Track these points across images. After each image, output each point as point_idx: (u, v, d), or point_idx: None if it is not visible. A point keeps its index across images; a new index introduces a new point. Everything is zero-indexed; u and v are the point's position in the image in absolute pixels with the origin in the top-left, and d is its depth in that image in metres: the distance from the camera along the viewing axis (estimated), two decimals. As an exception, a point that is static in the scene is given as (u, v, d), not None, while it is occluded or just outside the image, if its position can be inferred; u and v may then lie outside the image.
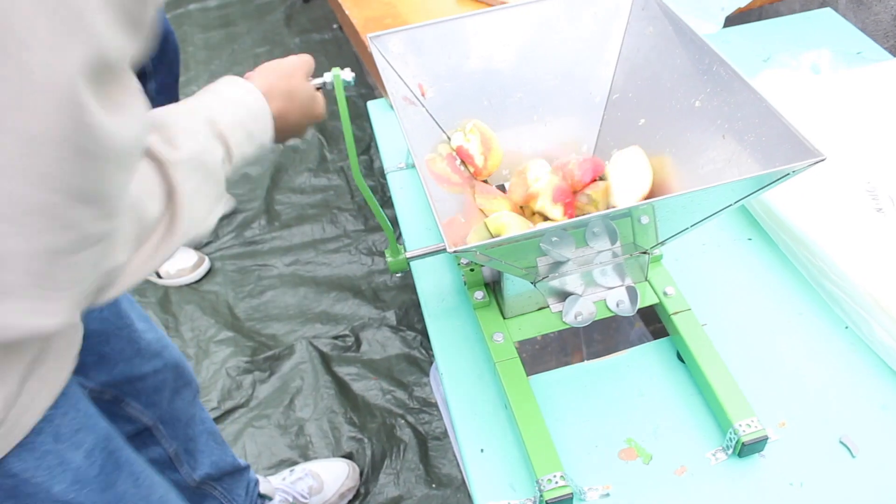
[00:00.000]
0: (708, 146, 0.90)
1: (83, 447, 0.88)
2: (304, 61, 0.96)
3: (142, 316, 1.20)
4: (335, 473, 1.80)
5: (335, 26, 3.45)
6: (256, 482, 1.62)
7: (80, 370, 0.98)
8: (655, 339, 1.11)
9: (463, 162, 1.04)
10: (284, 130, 0.91)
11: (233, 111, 0.82)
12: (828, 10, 1.60)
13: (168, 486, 1.13)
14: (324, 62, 3.28)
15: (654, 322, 1.22)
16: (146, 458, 1.22)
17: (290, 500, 1.71)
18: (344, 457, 1.83)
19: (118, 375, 1.15)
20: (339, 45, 3.36)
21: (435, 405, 1.91)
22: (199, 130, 0.77)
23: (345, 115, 0.94)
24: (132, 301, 1.19)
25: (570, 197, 0.99)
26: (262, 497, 1.65)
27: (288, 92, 0.90)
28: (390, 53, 1.02)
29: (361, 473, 1.80)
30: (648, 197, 0.99)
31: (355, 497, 1.78)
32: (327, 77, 0.97)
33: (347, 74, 0.96)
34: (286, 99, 0.90)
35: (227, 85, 0.86)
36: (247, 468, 1.56)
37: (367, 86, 3.00)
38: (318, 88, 0.98)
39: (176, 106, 0.79)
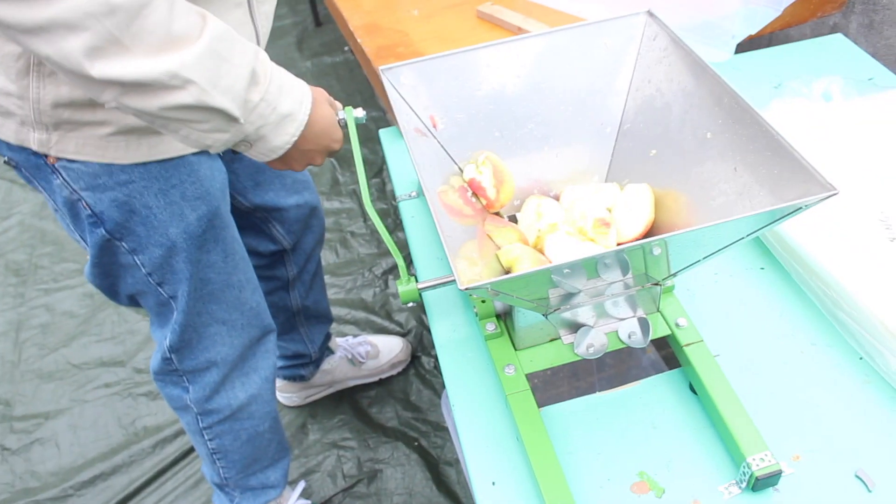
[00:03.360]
0: (720, 178, 0.90)
1: (198, 212, 1.16)
2: (323, 92, 1.05)
3: None
4: (390, 346, 2.05)
5: (346, 49, 3.48)
6: (330, 336, 1.93)
7: (241, 192, 1.41)
8: (669, 365, 1.10)
9: (475, 194, 1.04)
10: (308, 141, 0.98)
11: (278, 73, 0.92)
12: (839, 35, 1.60)
13: (254, 280, 1.36)
14: (335, 86, 3.31)
15: (666, 347, 1.21)
16: (273, 275, 1.64)
17: (349, 357, 1.99)
18: (353, 479, 1.83)
19: (268, 202, 1.47)
20: (350, 68, 3.39)
21: (447, 430, 1.90)
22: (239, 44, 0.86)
23: (357, 152, 0.98)
24: None
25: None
26: (329, 349, 1.96)
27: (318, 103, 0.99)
28: (402, 85, 1.03)
29: (374, 473, 1.80)
30: (647, 234, 0.99)
31: None
32: (340, 115, 1.01)
33: (359, 112, 1.02)
34: (315, 120, 0.97)
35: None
36: (330, 321, 1.88)
37: (379, 108, 3.02)
38: None
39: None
